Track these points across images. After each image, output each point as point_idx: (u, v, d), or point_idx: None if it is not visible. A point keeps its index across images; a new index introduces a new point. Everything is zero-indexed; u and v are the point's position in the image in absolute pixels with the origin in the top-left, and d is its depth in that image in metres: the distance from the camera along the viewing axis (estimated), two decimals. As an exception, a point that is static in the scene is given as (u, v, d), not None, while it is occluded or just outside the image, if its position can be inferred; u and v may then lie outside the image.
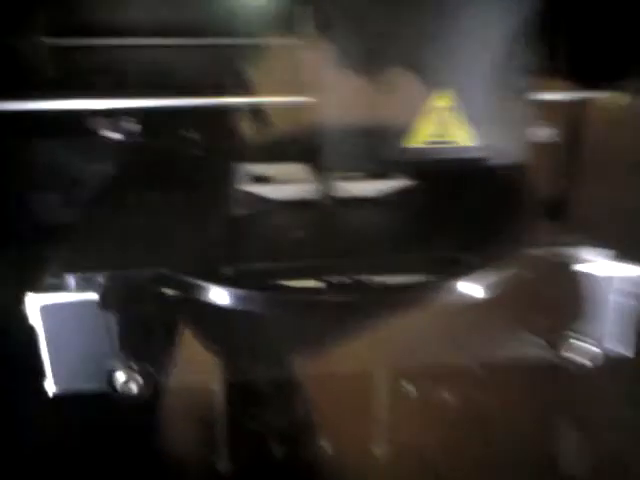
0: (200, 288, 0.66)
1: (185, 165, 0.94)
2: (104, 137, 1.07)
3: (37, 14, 1.03)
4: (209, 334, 0.77)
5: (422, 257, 0.75)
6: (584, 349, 0.73)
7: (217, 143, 1.01)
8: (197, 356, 0.77)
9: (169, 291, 0.67)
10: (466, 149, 0.82)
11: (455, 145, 0.82)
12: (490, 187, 0.89)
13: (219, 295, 0.66)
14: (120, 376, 0.65)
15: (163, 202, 0.83)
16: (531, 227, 0.81)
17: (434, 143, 0.81)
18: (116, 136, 1.10)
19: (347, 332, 0.75)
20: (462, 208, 0.85)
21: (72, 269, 0.67)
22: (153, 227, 0.77)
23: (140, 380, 0.66)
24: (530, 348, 0.76)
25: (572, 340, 0.73)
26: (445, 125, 0.81)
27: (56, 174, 1.01)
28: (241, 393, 1.04)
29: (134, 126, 1.10)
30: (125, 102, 0.93)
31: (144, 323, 0.66)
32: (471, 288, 0.71)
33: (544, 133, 0.99)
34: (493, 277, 0.72)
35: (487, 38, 0.80)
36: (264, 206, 0.84)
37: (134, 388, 0.66)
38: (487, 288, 0.71)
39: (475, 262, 0.73)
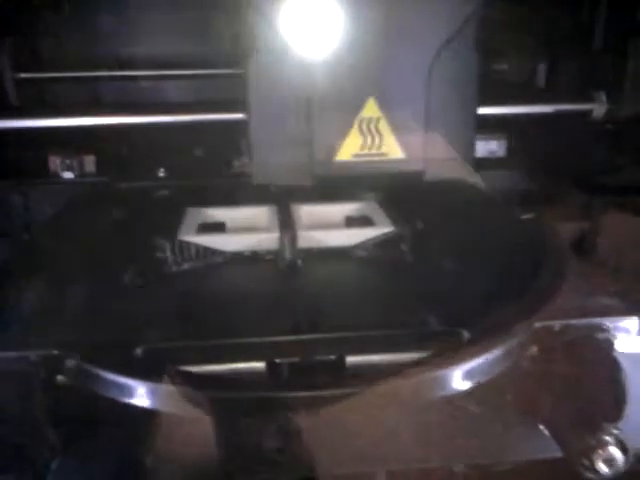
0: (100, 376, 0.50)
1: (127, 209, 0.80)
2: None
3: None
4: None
5: (406, 329, 0.58)
6: (611, 454, 0.53)
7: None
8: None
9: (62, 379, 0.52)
10: (397, 162, 0.73)
11: (384, 158, 0.73)
12: (490, 229, 0.72)
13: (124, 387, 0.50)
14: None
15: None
16: (548, 284, 0.63)
17: (362, 156, 0.73)
18: (68, 175, 1.00)
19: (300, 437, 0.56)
20: (456, 261, 0.68)
21: None
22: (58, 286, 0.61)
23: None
24: (541, 447, 0.58)
25: (598, 439, 0.54)
26: (373, 136, 0.72)
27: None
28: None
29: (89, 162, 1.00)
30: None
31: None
32: (466, 369, 0.54)
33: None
34: (494, 353, 0.55)
35: (422, 38, 0.71)
36: (210, 261, 0.68)
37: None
38: (486, 369, 0.54)
39: (471, 334, 0.56)
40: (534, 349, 0.56)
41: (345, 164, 0.73)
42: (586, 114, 0.87)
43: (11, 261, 0.69)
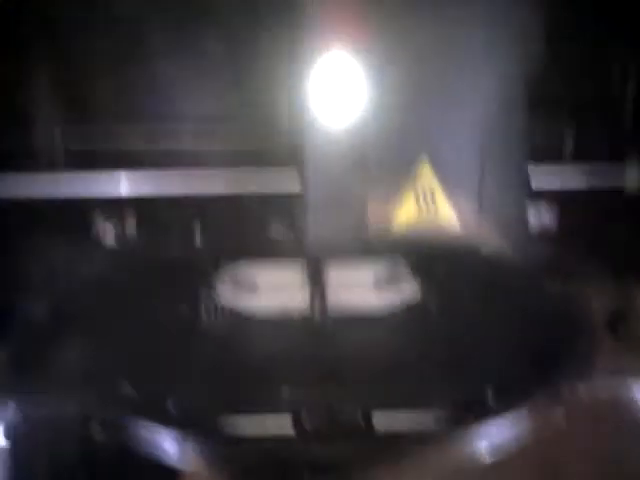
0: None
1: (167, 271, 0.83)
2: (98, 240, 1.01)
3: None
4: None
5: (435, 394, 0.58)
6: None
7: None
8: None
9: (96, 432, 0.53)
10: (451, 230, 0.76)
11: (438, 225, 0.75)
12: (519, 298, 0.73)
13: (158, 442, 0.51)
14: None
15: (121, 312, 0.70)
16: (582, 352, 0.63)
17: (416, 223, 0.75)
18: (110, 237, 1.03)
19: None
20: (486, 327, 0.69)
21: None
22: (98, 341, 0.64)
23: None
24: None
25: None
26: (427, 204, 0.74)
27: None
28: None
29: (131, 224, 1.04)
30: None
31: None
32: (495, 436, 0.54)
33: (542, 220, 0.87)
34: (524, 421, 0.54)
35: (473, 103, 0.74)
36: (243, 321, 0.70)
37: None
38: (516, 437, 0.54)
39: (502, 401, 0.56)
40: (560, 416, 0.56)
41: (397, 231, 0.76)
42: (618, 185, 0.88)
43: (50, 320, 0.71)
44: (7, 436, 0.53)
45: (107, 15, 0.95)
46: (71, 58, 1.01)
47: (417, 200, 0.75)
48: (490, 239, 0.78)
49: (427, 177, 0.75)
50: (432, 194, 0.75)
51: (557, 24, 0.84)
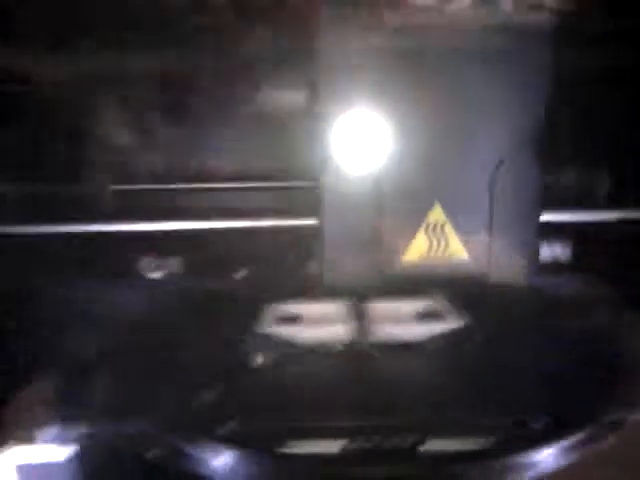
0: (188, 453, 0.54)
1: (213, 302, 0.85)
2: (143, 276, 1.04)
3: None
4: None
5: (478, 419, 0.59)
6: None
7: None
8: None
9: (153, 455, 0.55)
10: (461, 264, 0.78)
11: (449, 260, 0.78)
12: (565, 328, 0.74)
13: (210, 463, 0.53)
14: None
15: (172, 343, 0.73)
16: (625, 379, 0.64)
17: (428, 258, 0.78)
18: (155, 274, 1.06)
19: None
20: (527, 355, 0.70)
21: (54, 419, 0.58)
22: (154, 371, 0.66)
23: None
24: None
25: None
26: (439, 239, 0.77)
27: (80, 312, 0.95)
28: None
29: (176, 264, 1.07)
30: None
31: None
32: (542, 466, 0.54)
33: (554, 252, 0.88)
34: (572, 452, 0.55)
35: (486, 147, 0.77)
36: (288, 352, 0.72)
37: None
38: (563, 467, 0.54)
39: (548, 427, 0.56)
40: (607, 448, 0.56)
41: (411, 265, 0.79)
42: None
43: (107, 351, 0.74)
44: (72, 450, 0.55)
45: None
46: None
47: (427, 234, 0.78)
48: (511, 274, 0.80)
49: (438, 217, 0.77)
50: (442, 227, 0.78)
51: (570, 74, 0.87)
